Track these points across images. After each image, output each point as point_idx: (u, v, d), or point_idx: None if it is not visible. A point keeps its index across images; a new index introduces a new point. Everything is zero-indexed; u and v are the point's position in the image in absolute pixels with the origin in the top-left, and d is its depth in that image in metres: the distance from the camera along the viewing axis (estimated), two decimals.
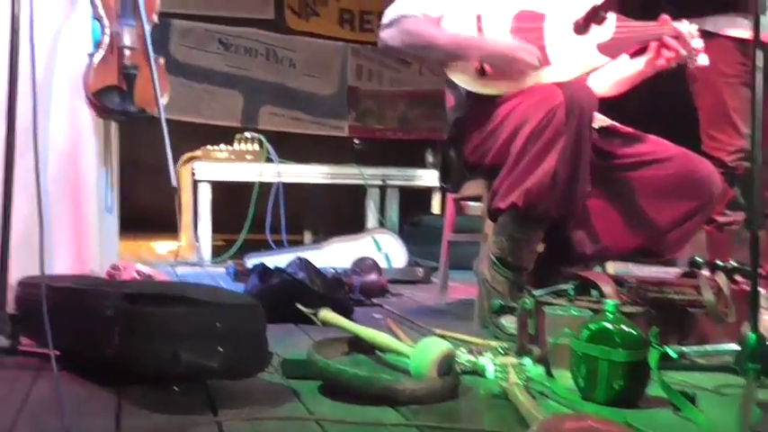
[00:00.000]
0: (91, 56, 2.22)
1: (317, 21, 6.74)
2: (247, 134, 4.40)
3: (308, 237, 4.89)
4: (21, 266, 1.79)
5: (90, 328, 1.53)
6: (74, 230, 2.18)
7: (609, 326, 1.52)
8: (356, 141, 6.33)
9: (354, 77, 6.81)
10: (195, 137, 4.75)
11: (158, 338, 1.41)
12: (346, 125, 6.72)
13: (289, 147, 4.70)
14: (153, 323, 1.43)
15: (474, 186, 2.51)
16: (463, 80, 2.31)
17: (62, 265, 2.08)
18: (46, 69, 2.08)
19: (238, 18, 6.41)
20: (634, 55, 2.39)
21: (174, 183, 2.12)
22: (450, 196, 2.87)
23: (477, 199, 2.62)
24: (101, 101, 2.24)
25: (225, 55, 6.40)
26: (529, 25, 2.28)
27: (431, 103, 6.64)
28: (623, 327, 1.52)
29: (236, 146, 4.35)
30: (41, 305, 1.50)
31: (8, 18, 1.72)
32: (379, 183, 4.51)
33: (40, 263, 1.62)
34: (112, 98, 2.25)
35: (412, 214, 4.63)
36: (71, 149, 2.21)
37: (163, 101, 2.20)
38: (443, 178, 2.62)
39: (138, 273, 1.99)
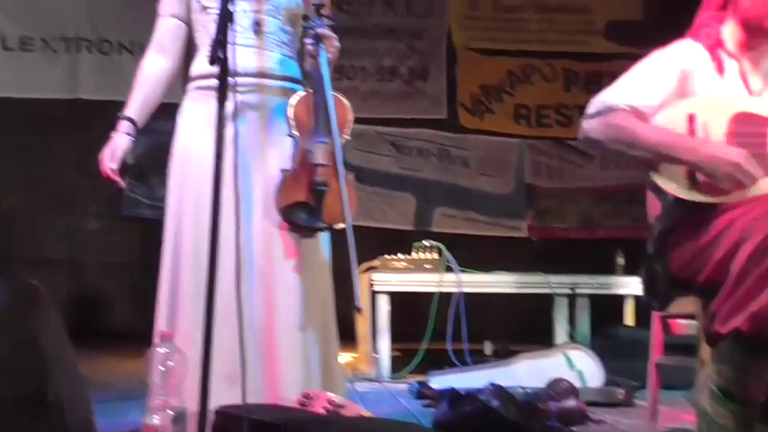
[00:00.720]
0: (283, 172, 2.34)
1: (492, 118, 6.83)
2: (425, 242, 4.46)
3: (488, 347, 4.83)
4: (218, 394, 1.87)
5: None
6: (267, 353, 2.26)
7: None
8: (533, 238, 6.28)
9: (532, 175, 6.79)
10: (367, 241, 4.84)
11: None
12: (524, 225, 6.68)
13: (464, 249, 4.69)
14: None
15: (684, 304, 2.38)
16: (672, 187, 2.24)
17: (256, 391, 2.15)
18: (247, 192, 2.24)
19: (410, 119, 6.62)
20: None
21: (358, 303, 2.15)
22: (655, 313, 2.76)
23: (686, 316, 2.50)
24: (288, 217, 2.34)
25: (397, 157, 6.62)
26: (749, 130, 2.18)
27: (616, 199, 6.48)
28: None
29: (414, 254, 4.41)
30: None
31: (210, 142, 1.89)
32: (568, 291, 4.39)
33: (242, 394, 1.70)
34: (300, 214, 2.35)
35: (604, 325, 4.47)
36: (268, 271, 2.32)
37: (350, 217, 2.26)
38: (648, 294, 2.52)
39: (330, 402, 2.02)
